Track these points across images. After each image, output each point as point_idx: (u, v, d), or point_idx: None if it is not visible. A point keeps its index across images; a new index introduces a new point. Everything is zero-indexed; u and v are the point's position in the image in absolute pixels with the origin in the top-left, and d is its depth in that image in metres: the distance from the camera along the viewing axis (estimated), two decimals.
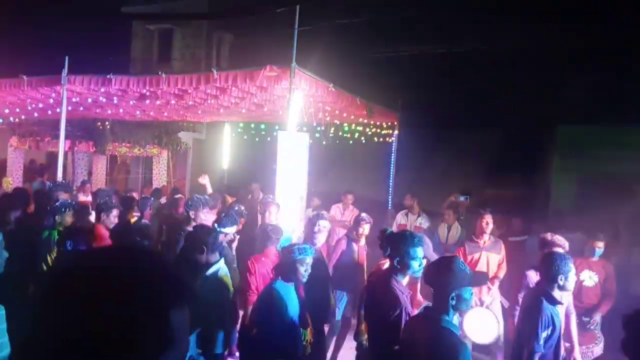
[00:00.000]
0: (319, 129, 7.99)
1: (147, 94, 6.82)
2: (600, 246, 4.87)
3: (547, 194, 9.45)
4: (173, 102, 7.45)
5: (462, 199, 7.82)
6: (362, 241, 5.14)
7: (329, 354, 4.93)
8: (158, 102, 7.51)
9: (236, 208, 5.47)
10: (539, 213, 9.19)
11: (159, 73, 6.02)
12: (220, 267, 3.42)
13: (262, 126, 9.79)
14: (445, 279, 2.46)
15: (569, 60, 10.04)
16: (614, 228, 6.25)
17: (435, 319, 2.45)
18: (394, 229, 5.92)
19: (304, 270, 3.38)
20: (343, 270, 4.92)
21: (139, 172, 13.44)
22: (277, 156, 5.37)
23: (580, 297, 4.80)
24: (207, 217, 5.00)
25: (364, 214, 5.30)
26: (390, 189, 9.07)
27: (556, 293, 3.20)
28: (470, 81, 10.54)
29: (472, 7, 9.93)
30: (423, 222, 7.31)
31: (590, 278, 4.90)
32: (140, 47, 15.97)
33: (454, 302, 2.44)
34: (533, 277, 4.19)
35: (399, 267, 3.13)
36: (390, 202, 8.97)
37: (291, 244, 3.69)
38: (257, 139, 10.17)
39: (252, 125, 10.11)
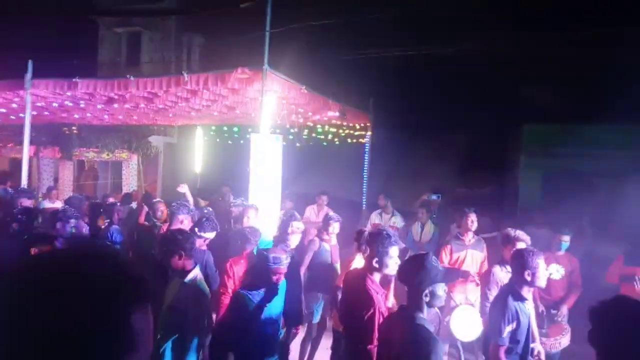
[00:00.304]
0: (292, 130, 8.00)
1: (116, 97, 6.69)
2: (566, 240, 5.05)
3: (515, 192, 9.72)
4: (142, 105, 7.32)
5: (434, 197, 7.97)
6: (334, 240, 5.17)
7: (306, 356, 4.94)
8: (127, 106, 7.37)
9: (205, 211, 5.42)
10: (508, 210, 9.47)
11: (127, 76, 5.92)
12: (197, 274, 3.36)
13: (235, 129, 9.73)
14: (419, 276, 2.49)
15: (534, 63, 10.37)
16: (579, 222, 6.49)
17: (409, 317, 2.48)
18: (368, 228, 5.98)
19: (276, 280, 3.35)
20: (316, 272, 4.92)
21: (108, 177, 13.14)
22: (250, 159, 5.35)
23: (548, 290, 4.95)
24: (184, 223, 4.93)
25: (332, 213, 5.34)
26: (364, 190, 9.16)
27: (524, 289, 3.29)
28: (441, 83, 10.76)
29: (442, 11, 10.14)
30: (397, 221, 7.41)
31: (557, 271, 5.07)
32: (107, 51, 15.64)
33: (427, 299, 2.47)
34: (498, 272, 4.27)
35: (377, 266, 3.17)
36: (364, 203, 9.05)
37: (267, 250, 3.66)
38: (230, 142, 10.09)
39: (225, 128, 10.04)
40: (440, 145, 10.42)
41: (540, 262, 3.25)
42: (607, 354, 1.68)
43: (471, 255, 5.19)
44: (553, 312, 4.90)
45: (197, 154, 10.50)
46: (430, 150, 10.22)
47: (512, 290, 3.31)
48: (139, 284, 0.78)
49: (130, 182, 11.65)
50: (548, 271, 4.88)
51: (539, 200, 8.92)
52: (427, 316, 2.53)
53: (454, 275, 3.21)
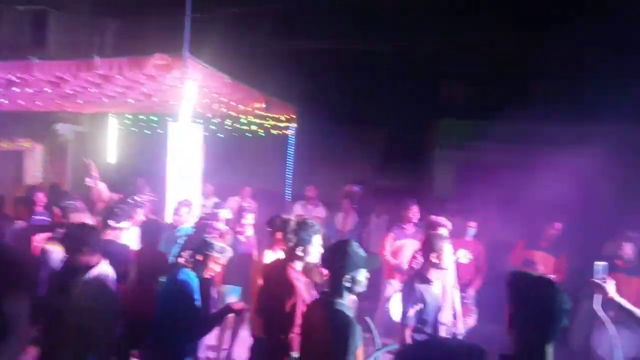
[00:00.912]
0: (214, 121, 7.80)
1: (16, 80, 6.09)
2: (472, 227, 5.44)
3: (430, 183, 10.27)
4: (48, 90, 6.73)
5: (356, 188, 8.21)
6: (250, 231, 5.16)
7: (225, 347, 4.89)
8: (29, 90, 6.74)
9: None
10: (425, 200, 9.97)
11: (30, 57, 5.41)
12: (102, 270, 3.15)
13: (153, 118, 9.28)
14: (341, 262, 2.53)
15: (452, 62, 10.95)
16: (485, 211, 7.01)
17: (329, 302, 2.53)
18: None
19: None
20: (232, 264, 4.86)
21: (7, 168, 11.94)
22: (168, 149, 5.15)
23: (457, 274, 5.31)
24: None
25: (245, 204, 5.35)
26: (289, 181, 9.18)
27: (430, 271, 3.53)
28: (365, 77, 11.02)
29: (370, 6, 10.35)
30: (321, 212, 7.54)
31: (465, 256, 5.45)
32: (8, 31, 14.13)
33: (348, 285, 2.52)
34: (420, 258, 4.54)
35: (302, 254, 3.22)
36: (288, 194, 9.08)
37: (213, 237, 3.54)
38: (147, 132, 9.61)
39: (142, 117, 9.53)
40: (363, 138, 10.71)
41: (445, 246, 3.50)
42: (516, 317, 1.86)
43: (411, 245, 5.44)
44: (462, 295, 5.26)
45: (111, 144, 9.89)
46: (353, 143, 10.48)
47: (419, 274, 3.54)
48: (14, 272, 0.72)
49: (34, 173, 10.69)
50: (456, 256, 5.24)
51: (452, 190, 9.50)
52: (346, 302, 2.60)
53: (376, 261, 3.33)
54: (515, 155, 8.96)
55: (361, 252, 2.62)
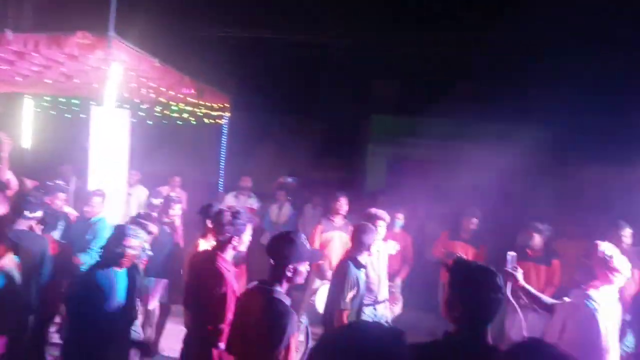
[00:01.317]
0: (142, 107, 7.44)
1: None
2: (400, 218, 5.66)
3: (363, 176, 10.53)
4: None
5: (290, 180, 8.22)
6: (177, 222, 5.04)
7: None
8: None
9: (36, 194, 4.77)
10: (357, 193, 10.21)
11: None
12: (5, 264, 2.91)
13: (75, 101, 8.67)
14: (287, 251, 2.56)
15: (385, 59, 11.23)
16: (413, 204, 7.31)
17: (267, 290, 2.54)
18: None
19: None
20: (158, 256, 4.71)
21: None
22: (90, 135, 4.84)
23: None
24: None
25: (172, 194, 5.20)
26: (222, 171, 9.00)
27: (362, 257, 3.68)
28: (302, 69, 11.01)
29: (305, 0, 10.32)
30: (254, 203, 7.47)
31: (393, 247, 5.65)
32: None
33: (290, 275, 2.56)
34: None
35: (235, 244, 3.19)
36: (221, 185, 8.90)
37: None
38: (68, 115, 8.97)
39: (62, 100, 8.87)
40: (298, 130, 10.73)
41: (375, 236, 3.66)
42: (456, 301, 1.98)
43: (339, 237, 5.51)
44: (389, 284, 5.47)
45: (26, 128, 9.12)
46: (288, 135, 10.46)
47: (353, 260, 3.64)
48: None
49: None
50: (385, 246, 5.42)
51: (382, 184, 9.81)
52: (284, 291, 2.62)
53: (319, 256, 3.36)
54: (442, 151, 9.42)
55: (306, 244, 2.66)
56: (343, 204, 5.59)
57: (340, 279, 3.58)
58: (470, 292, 1.95)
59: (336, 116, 10.80)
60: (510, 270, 3.48)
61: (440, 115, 10.14)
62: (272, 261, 2.63)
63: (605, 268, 3.10)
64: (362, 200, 8.45)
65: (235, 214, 3.21)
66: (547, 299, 3.50)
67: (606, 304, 3.07)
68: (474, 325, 1.94)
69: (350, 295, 3.49)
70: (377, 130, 10.21)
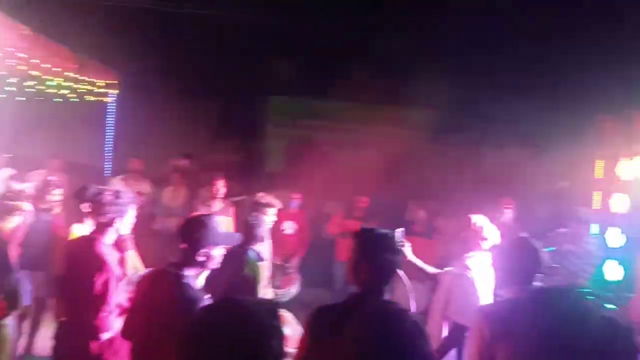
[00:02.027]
0: (10, 80, 6.58)
1: None
2: (296, 198, 5.76)
3: (261, 158, 10.48)
4: None
5: (185, 162, 7.90)
6: (56, 209, 4.61)
7: (23, 339, 4.32)
8: None
9: None
10: (257, 175, 10.15)
11: None
12: None
13: None
14: (199, 234, 2.49)
15: (285, 40, 11.15)
16: (311, 184, 7.46)
17: (176, 274, 2.45)
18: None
19: None
20: (33, 248, 4.27)
21: None
22: None
23: (283, 244, 5.58)
24: None
25: (52, 177, 4.75)
26: (109, 154, 8.34)
27: (257, 248, 3.73)
28: (197, 47, 10.51)
29: None
30: (144, 187, 7.06)
31: (290, 227, 5.74)
32: None
33: (202, 259, 2.49)
34: None
35: (116, 226, 2.99)
36: (108, 168, 8.27)
37: None
38: None
39: None
40: (194, 110, 10.30)
41: (263, 226, 3.72)
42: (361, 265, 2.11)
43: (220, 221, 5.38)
44: (286, 265, 5.55)
45: None
46: (183, 115, 10.00)
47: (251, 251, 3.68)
48: None
49: None
50: (283, 227, 5.48)
51: (281, 166, 9.87)
52: (196, 275, 2.55)
53: (233, 239, 3.24)
54: (339, 133, 9.71)
55: (220, 228, 2.60)
56: (220, 188, 5.42)
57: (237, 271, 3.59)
58: (375, 253, 2.13)
59: (235, 97, 10.55)
60: (398, 245, 3.74)
61: (338, 97, 10.40)
62: (183, 245, 2.54)
63: (477, 238, 3.45)
64: (260, 181, 8.43)
65: (116, 194, 3.01)
66: (432, 269, 3.82)
67: (480, 270, 3.43)
68: (378, 284, 2.11)
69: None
70: (276, 112, 10.20)
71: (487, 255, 3.49)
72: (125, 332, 2.62)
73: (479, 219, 3.58)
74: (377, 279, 2.11)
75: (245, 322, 1.18)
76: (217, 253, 2.59)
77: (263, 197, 4.71)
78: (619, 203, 4.36)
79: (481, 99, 9.19)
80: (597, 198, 4.65)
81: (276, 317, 1.28)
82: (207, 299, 2.49)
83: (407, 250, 3.83)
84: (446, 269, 3.69)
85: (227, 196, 7.52)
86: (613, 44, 8.10)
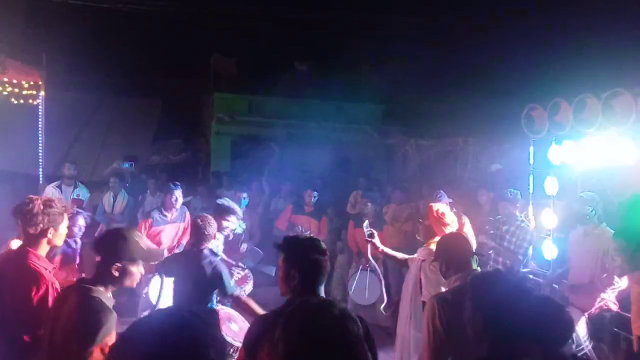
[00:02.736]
0: None
1: None
2: (244, 197, 5.68)
3: (207, 157, 10.25)
4: None
5: (126, 165, 7.58)
6: None
7: None
8: None
9: None
10: (203, 175, 9.93)
11: None
12: None
13: None
14: (115, 247, 2.35)
15: (227, 35, 10.94)
16: (258, 182, 7.39)
17: (86, 288, 2.31)
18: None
19: None
20: None
21: None
22: None
23: (233, 244, 5.49)
24: None
25: None
26: (41, 160, 7.81)
27: (212, 245, 3.66)
28: (132, 45, 10.09)
29: None
30: (82, 194, 6.69)
31: (240, 226, 5.65)
32: None
33: (117, 274, 2.34)
34: None
35: (50, 237, 2.79)
36: (41, 175, 7.75)
37: None
38: None
39: None
40: (132, 110, 9.88)
41: (214, 226, 3.67)
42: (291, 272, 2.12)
43: (171, 228, 5.22)
44: (239, 264, 5.47)
45: None
46: (121, 115, 9.57)
47: (207, 249, 3.68)
48: None
49: None
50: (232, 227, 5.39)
51: (227, 164, 9.70)
52: (107, 292, 2.39)
53: (156, 256, 3.04)
54: (285, 129, 9.68)
55: (142, 243, 2.45)
56: (177, 198, 5.21)
57: (224, 268, 3.55)
58: (303, 257, 2.12)
59: (177, 96, 10.24)
60: (367, 237, 3.88)
61: (281, 93, 10.36)
62: (98, 258, 2.40)
63: (440, 224, 3.57)
64: (207, 183, 8.25)
65: (46, 202, 2.80)
66: (402, 255, 3.92)
67: None
68: (311, 286, 2.09)
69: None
70: (221, 109, 10.00)
71: None
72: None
73: (440, 207, 3.72)
74: (310, 282, 2.11)
75: (180, 333, 1.15)
76: (137, 270, 2.42)
77: (224, 202, 4.62)
78: (551, 186, 4.64)
79: (419, 91, 9.49)
80: (531, 181, 4.92)
81: (214, 326, 1.25)
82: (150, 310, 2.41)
83: (377, 241, 3.92)
84: (414, 256, 3.78)
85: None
86: (542, 38, 8.62)
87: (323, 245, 2.18)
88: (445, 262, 2.89)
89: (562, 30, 8.37)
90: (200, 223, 3.73)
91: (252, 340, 1.96)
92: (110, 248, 2.38)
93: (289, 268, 2.13)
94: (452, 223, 3.63)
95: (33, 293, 2.67)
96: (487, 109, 8.23)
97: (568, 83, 5.13)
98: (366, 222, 4.11)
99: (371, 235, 3.95)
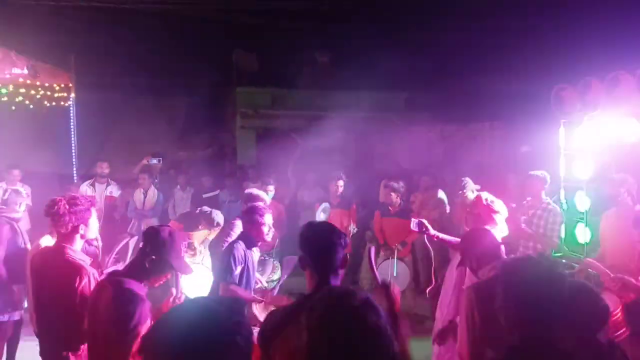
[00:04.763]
0: None
1: None
2: (271, 190, 5.74)
3: (233, 151, 10.37)
4: None
5: (154, 161, 7.74)
6: (21, 220, 4.51)
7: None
8: None
9: None
10: (229, 169, 10.06)
11: None
12: None
13: None
14: (161, 244, 2.47)
15: (245, 32, 10.98)
16: (285, 174, 7.44)
17: (119, 281, 2.42)
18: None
19: None
20: (13, 262, 4.18)
21: None
22: None
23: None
24: None
25: (16, 188, 4.62)
26: (74, 160, 8.07)
27: (253, 238, 3.74)
28: (156, 44, 10.25)
29: None
30: (113, 191, 6.90)
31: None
32: None
33: (148, 266, 2.46)
34: (239, 224, 4.63)
35: (82, 232, 2.90)
36: (75, 174, 8.02)
37: None
38: None
39: None
40: (158, 108, 10.06)
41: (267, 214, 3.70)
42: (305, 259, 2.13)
43: None
44: (265, 256, 5.54)
45: None
46: (148, 114, 9.75)
47: (245, 238, 3.72)
48: None
49: None
50: None
51: (253, 157, 9.79)
52: (141, 283, 2.50)
53: (187, 270, 3.08)
54: (308, 121, 9.67)
55: (182, 251, 2.58)
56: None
57: (228, 255, 3.59)
58: (314, 244, 2.11)
59: (200, 92, 10.37)
60: (416, 228, 3.94)
61: (303, 86, 10.36)
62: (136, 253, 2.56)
63: (490, 212, 3.53)
64: (234, 176, 8.36)
65: (71, 201, 2.89)
66: (454, 239, 3.91)
67: None
68: (321, 278, 2.07)
69: (237, 270, 3.53)
70: (244, 103, 10.08)
71: (500, 229, 3.57)
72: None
73: (488, 195, 3.67)
74: (320, 266, 2.08)
75: (206, 321, 1.19)
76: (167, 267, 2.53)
77: (252, 191, 4.75)
78: (583, 168, 4.51)
79: (441, 76, 9.32)
80: (562, 164, 4.79)
81: (239, 313, 1.29)
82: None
83: (429, 227, 3.93)
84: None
85: (196, 194, 7.45)
86: (570, 17, 8.32)
87: (337, 230, 2.16)
88: (474, 258, 2.86)
89: (590, 5, 8.05)
90: (250, 210, 3.81)
91: (268, 331, 2.01)
92: (156, 242, 2.48)
93: (302, 253, 2.14)
94: (501, 210, 3.58)
95: (76, 284, 2.78)
96: (513, 91, 8.03)
97: (598, 61, 4.94)
98: (414, 221, 4.05)
99: (421, 225, 3.95)
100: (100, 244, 4.61)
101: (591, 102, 4.24)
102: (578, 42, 7.66)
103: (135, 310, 2.28)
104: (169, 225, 2.63)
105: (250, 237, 3.76)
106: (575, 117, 4.52)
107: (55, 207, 2.80)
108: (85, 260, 2.89)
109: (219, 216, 4.79)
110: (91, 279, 2.80)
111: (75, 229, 2.85)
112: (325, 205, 6.30)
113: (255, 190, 4.82)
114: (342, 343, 1.31)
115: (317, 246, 2.09)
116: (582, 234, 4.57)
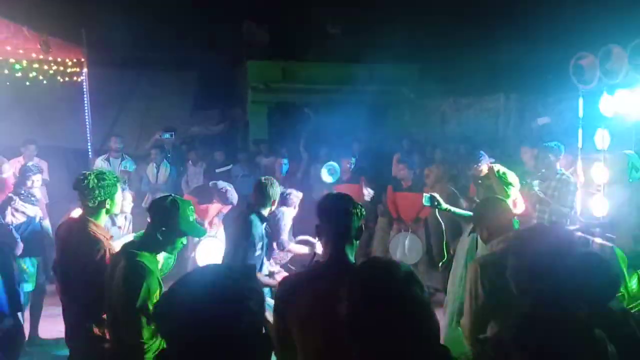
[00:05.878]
0: None
1: None
2: (285, 162, 5.76)
3: (245, 125, 10.36)
4: None
5: (167, 136, 7.78)
6: (38, 194, 4.61)
7: (27, 325, 4.36)
8: None
9: None
10: (242, 144, 10.08)
11: None
12: None
13: None
14: (167, 215, 2.51)
15: (254, 3, 10.80)
16: (297, 149, 7.43)
17: (131, 253, 2.49)
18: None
19: None
20: (31, 235, 4.31)
21: None
22: None
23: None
24: None
25: (30, 163, 4.72)
26: (89, 135, 8.14)
27: (265, 211, 3.70)
28: (165, 19, 10.16)
29: None
30: (128, 166, 6.98)
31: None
32: None
33: (161, 238, 2.51)
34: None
35: (108, 207, 2.97)
36: (90, 149, 8.10)
37: None
38: None
39: None
40: (169, 83, 10.04)
41: (277, 189, 3.71)
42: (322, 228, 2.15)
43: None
44: None
45: None
46: (159, 89, 9.75)
47: (258, 214, 3.68)
48: None
49: None
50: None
51: (265, 131, 9.77)
52: (153, 257, 2.56)
53: (200, 232, 3.10)
54: (320, 95, 9.58)
55: (192, 217, 2.59)
56: None
57: (244, 232, 3.53)
58: (332, 210, 2.12)
59: (210, 67, 10.29)
60: (428, 203, 3.93)
61: (314, 59, 10.22)
62: (149, 222, 2.57)
63: (502, 184, 3.50)
64: (247, 151, 8.38)
65: (99, 176, 2.95)
66: (466, 212, 3.90)
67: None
68: (337, 248, 2.07)
69: (259, 245, 3.53)
70: (255, 78, 10.00)
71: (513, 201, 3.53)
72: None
73: (500, 167, 3.64)
74: (337, 242, 2.07)
75: (218, 286, 1.19)
76: (179, 241, 2.58)
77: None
78: (602, 139, 4.40)
79: (455, 47, 9.10)
80: (580, 135, 4.69)
81: (252, 279, 1.30)
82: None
83: (441, 201, 3.91)
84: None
85: (208, 169, 7.48)
86: None
87: (354, 200, 2.16)
88: (485, 228, 2.84)
89: None
90: (263, 183, 3.73)
91: (284, 297, 2.01)
92: (161, 213, 2.51)
93: (320, 224, 2.13)
94: (514, 182, 3.55)
95: (94, 257, 2.87)
96: (529, 62, 7.82)
97: (620, 28, 4.77)
98: (426, 195, 4.04)
99: (432, 200, 3.92)
100: (129, 224, 4.75)
101: (612, 70, 4.11)
102: (598, 8, 7.38)
103: (142, 284, 2.34)
104: (171, 194, 2.65)
105: (261, 211, 3.78)
106: (595, 88, 4.40)
107: (85, 182, 2.86)
108: (105, 236, 2.96)
109: (233, 196, 4.81)
110: (107, 253, 2.87)
111: (102, 204, 2.92)
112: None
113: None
114: (386, 316, 1.28)
115: (335, 212, 2.09)
116: (599, 207, 4.51)
